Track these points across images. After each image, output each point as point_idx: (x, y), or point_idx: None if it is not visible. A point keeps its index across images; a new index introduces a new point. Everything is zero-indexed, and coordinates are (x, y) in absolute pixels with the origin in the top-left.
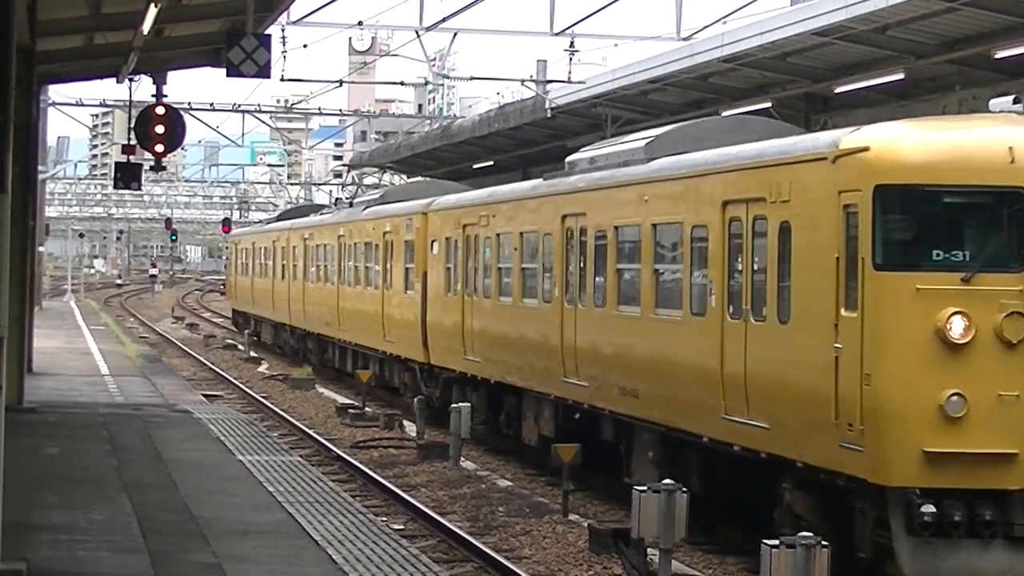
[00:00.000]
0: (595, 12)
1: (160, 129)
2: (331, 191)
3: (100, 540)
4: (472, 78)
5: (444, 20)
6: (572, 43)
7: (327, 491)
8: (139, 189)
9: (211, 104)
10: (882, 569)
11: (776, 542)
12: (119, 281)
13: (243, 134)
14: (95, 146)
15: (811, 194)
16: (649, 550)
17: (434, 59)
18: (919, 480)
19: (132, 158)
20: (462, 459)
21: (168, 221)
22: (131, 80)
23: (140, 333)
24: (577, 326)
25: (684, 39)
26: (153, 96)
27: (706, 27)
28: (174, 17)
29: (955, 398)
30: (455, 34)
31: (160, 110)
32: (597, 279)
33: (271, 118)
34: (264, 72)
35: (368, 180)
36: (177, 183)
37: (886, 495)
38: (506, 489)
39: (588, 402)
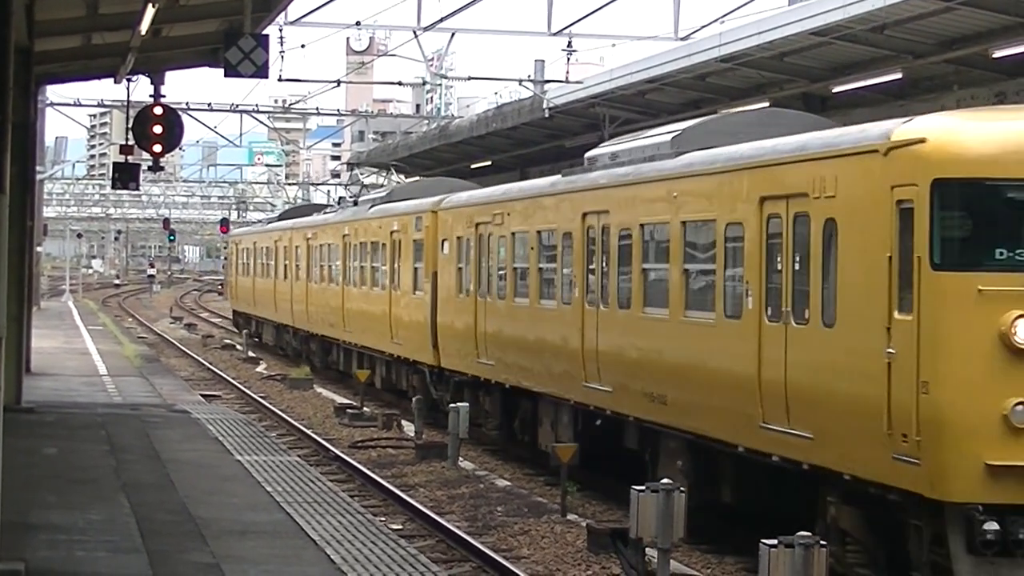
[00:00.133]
0: (593, 12)
1: (158, 129)
2: (329, 191)
3: (98, 540)
4: (470, 78)
5: (442, 20)
6: (570, 43)
7: (325, 491)
8: (137, 189)
9: (209, 104)
10: None
11: (774, 541)
12: (117, 281)
13: (241, 134)
14: (93, 146)
15: (860, 189)
16: (648, 550)
17: (432, 59)
18: (981, 495)
19: (130, 158)
20: (460, 459)
21: (166, 221)
22: (129, 80)
23: (138, 333)
24: (599, 329)
25: (682, 39)
26: (151, 96)
27: (704, 27)
28: (172, 17)
29: (1020, 407)
30: (453, 34)
31: (158, 110)
32: (621, 280)
33: (269, 118)
34: (262, 72)
35: (367, 180)
36: (175, 183)
37: (944, 511)
38: (504, 489)
39: (611, 408)
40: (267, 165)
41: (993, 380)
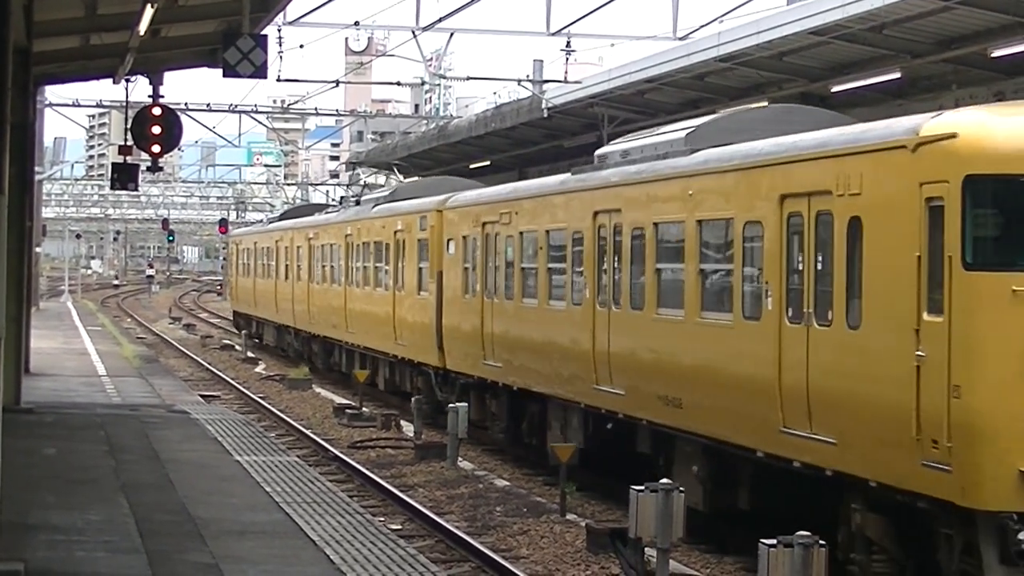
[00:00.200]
0: (591, 12)
1: (157, 130)
2: (328, 191)
3: (98, 540)
4: (468, 78)
5: (440, 20)
6: (568, 43)
7: (324, 491)
8: (136, 190)
9: (208, 105)
10: None
11: (774, 541)
12: (116, 282)
13: (240, 134)
14: (92, 147)
15: (887, 186)
16: (647, 550)
17: (430, 59)
18: (1015, 503)
19: (129, 159)
20: (459, 459)
21: (165, 222)
22: (128, 81)
23: (137, 334)
24: (611, 330)
25: (680, 39)
26: (150, 97)
27: (702, 27)
28: (170, 18)
29: None
30: (451, 34)
31: (157, 111)
32: (634, 280)
33: (267, 118)
34: (260, 73)
35: (367, 180)
36: (174, 184)
37: (976, 520)
38: (504, 489)
39: (623, 411)
40: (266, 165)
41: None
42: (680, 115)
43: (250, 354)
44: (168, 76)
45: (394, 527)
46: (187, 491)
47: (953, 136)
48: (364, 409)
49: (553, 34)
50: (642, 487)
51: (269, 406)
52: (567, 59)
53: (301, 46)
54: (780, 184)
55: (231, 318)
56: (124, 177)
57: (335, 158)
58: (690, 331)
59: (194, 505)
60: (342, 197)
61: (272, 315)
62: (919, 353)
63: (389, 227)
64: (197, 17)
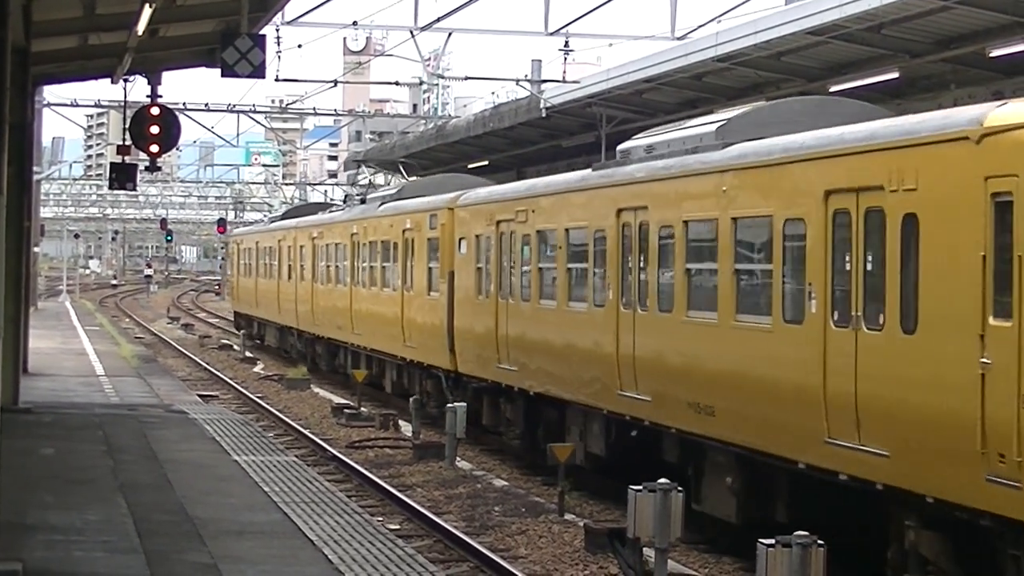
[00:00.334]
0: (590, 12)
1: (155, 129)
2: (326, 191)
3: (96, 540)
4: (467, 78)
5: (439, 20)
6: (567, 43)
7: (323, 491)
8: (134, 190)
9: (206, 104)
10: None
11: (772, 541)
12: (114, 282)
13: (238, 134)
14: (90, 147)
15: (947, 181)
16: (645, 550)
17: (429, 59)
18: None
19: (127, 158)
20: (458, 459)
21: (163, 221)
22: (126, 80)
23: (135, 333)
24: (636, 333)
25: (678, 39)
26: (148, 96)
27: (700, 27)
28: (168, 17)
29: None
30: (450, 34)
31: (155, 110)
32: (661, 281)
33: (266, 118)
34: (259, 72)
35: (366, 179)
36: (172, 183)
37: None
38: (502, 489)
39: (650, 419)
40: (264, 165)
41: None
42: (678, 115)
43: (248, 354)
44: (166, 76)
45: (392, 527)
46: (185, 491)
47: (1022, 127)
48: (362, 409)
49: (551, 34)
50: (640, 487)
51: (267, 406)
52: (565, 59)
53: (299, 46)
54: (825, 179)
55: (230, 318)
56: (122, 177)
57: (333, 158)
58: (724, 335)
59: (192, 505)
60: (346, 195)
61: (274, 316)
62: (984, 360)
63: (397, 226)
64: (195, 17)
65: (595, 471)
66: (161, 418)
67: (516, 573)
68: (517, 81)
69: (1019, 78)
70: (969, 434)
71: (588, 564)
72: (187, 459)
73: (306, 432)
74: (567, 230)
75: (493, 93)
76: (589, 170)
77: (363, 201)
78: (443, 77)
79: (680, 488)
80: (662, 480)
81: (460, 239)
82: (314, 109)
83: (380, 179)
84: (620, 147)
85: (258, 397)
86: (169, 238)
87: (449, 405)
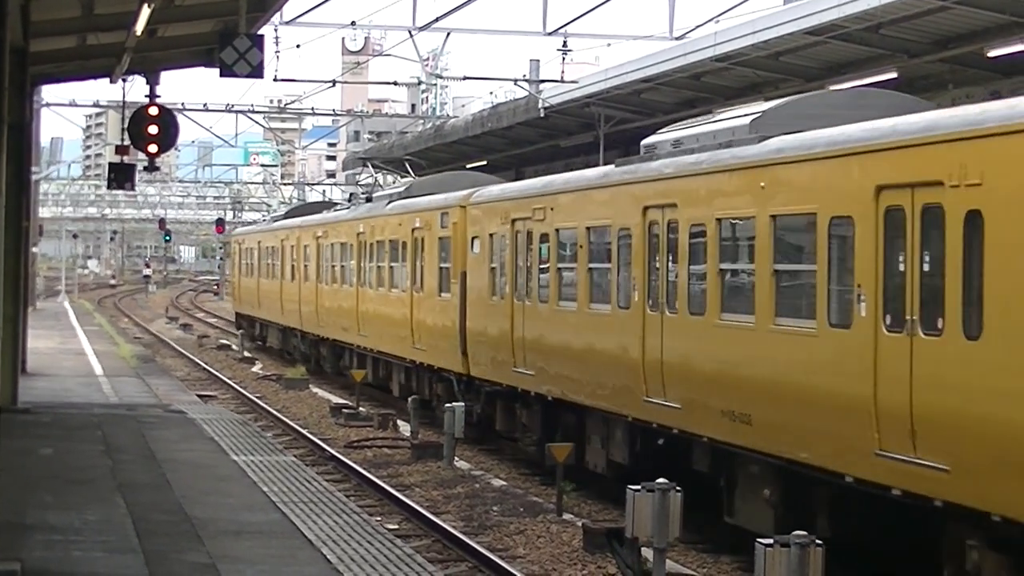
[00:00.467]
0: (588, 12)
1: (154, 129)
2: (325, 191)
3: (95, 540)
4: (465, 78)
5: (437, 20)
6: (565, 43)
7: (321, 491)
8: (133, 189)
9: (204, 104)
10: None
11: (770, 541)
12: (113, 282)
13: (236, 134)
14: (89, 147)
15: (1016, 174)
16: (643, 549)
17: (427, 59)
18: None
19: (126, 158)
20: (456, 459)
21: (162, 221)
22: (124, 80)
23: (134, 333)
24: (665, 337)
25: (677, 38)
26: (147, 96)
27: (699, 26)
28: (167, 17)
29: None
30: (448, 34)
31: (153, 110)
32: (692, 282)
33: (264, 118)
34: (257, 72)
35: (366, 179)
36: (171, 183)
37: None
38: (500, 489)
39: (679, 427)
40: (263, 165)
41: None
42: (677, 115)
43: (247, 354)
44: (165, 76)
45: (391, 527)
46: (184, 491)
47: None
48: (361, 409)
49: (550, 34)
50: (639, 487)
51: (266, 406)
52: (564, 59)
53: (298, 46)
54: (876, 174)
55: (228, 318)
56: (121, 177)
57: (332, 158)
58: (762, 339)
59: (191, 505)
60: (351, 194)
61: (277, 317)
62: None
63: (406, 224)
64: (194, 17)
65: (618, 480)
66: (160, 418)
67: (514, 573)
68: (515, 81)
69: (1017, 78)
70: None
71: (586, 564)
72: (186, 459)
73: (305, 432)
74: (588, 228)
75: (491, 93)
76: (612, 166)
77: (369, 199)
78: (441, 77)
79: (679, 488)
80: (660, 480)
81: (473, 238)
82: (312, 109)
83: (380, 178)
84: (644, 142)
85: (257, 397)
86: (167, 238)
87: (448, 405)
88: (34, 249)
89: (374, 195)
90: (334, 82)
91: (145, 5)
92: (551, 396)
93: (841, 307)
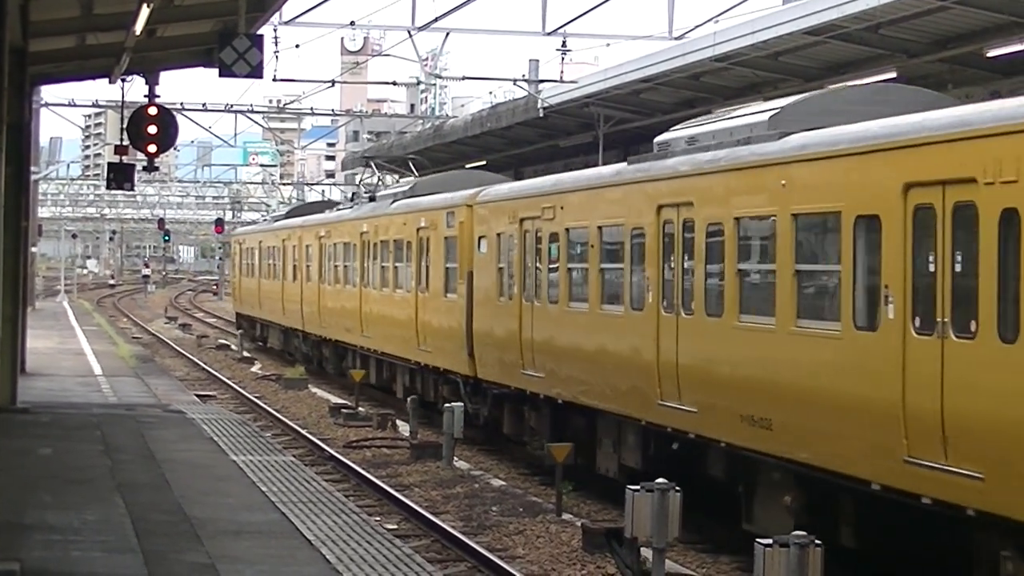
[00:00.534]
0: (587, 12)
1: (153, 129)
2: (323, 191)
3: (94, 540)
4: (464, 78)
5: (436, 20)
6: (564, 43)
7: (320, 491)
8: (132, 189)
9: (203, 104)
10: None
11: (769, 541)
12: (112, 281)
13: (235, 134)
14: (88, 147)
15: None
16: (643, 549)
17: (426, 59)
18: None
19: (125, 158)
20: (455, 459)
21: (161, 221)
22: (123, 80)
23: (133, 333)
24: (680, 339)
25: (676, 38)
26: (146, 96)
27: (698, 26)
28: (166, 17)
29: None
30: (447, 34)
31: (153, 110)
32: (709, 282)
33: (263, 118)
34: (256, 72)
35: (366, 178)
36: (170, 183)
37: None
38: (499, 489)
39: (695, 431)
40: (262, 165)
41: None
42: (676, 115)
43: (246, 353)
44: (164, 76)
45: (390, 527)
46: (183, 491)
47: None
48: (360, 409)
49: (549, 34)
50: (638, 487)
51: (265, 406)
52: (563, 59)
53: (297, 46)
54: (904, 171)
55: (227, 318)
56: (120, 177)
57: (331, 158)
58: (783, 341)
59: (190, 505)
60: (354, 193)
61: (279, 318)
62: None
63: (411, 224)
64: (193, 17)
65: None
66: (159, 418)
67: (513, 573)
68: (514, 81)
69: (1017, 78)
70: None
71: (586, 564)
72: (185, 459)
73: (304, 432)
74: (600, 228)
75: (491, 93)
76: (624, 164)
77: (372, 199)
78: (440, 77)
79: (678, 488)
80: (660, 480)
81: (480, 238)
82: (311, 109)
83: (379, 178)
84: (658, 139)
85: (256, 397)
86: (166, 238)
87: (447, 405)
88: (33, 249)
89: (378, 194)
90: (333, 82)
91: (144, 5)
92: (561, 399)
93: (867, 309)
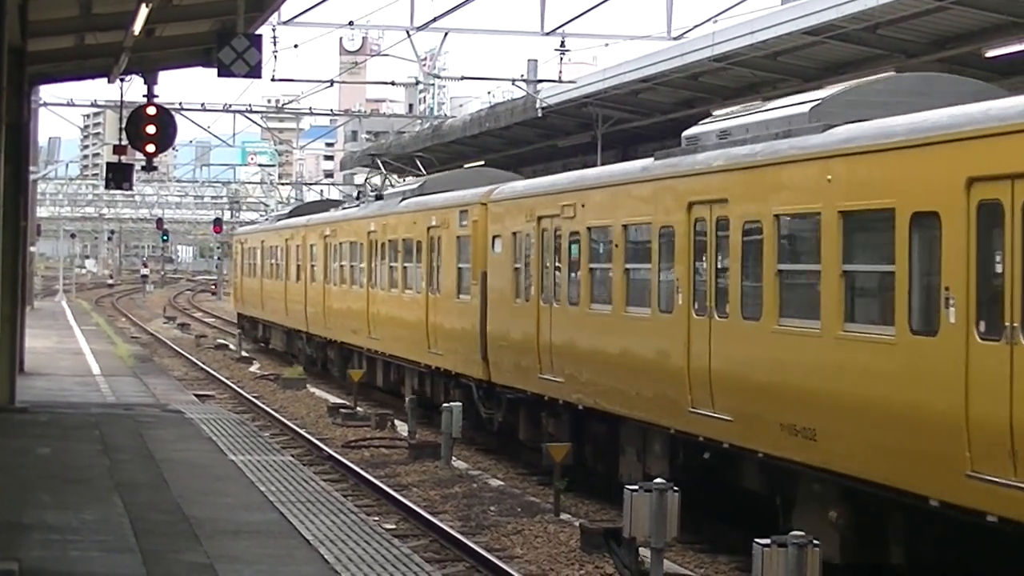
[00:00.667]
0: (586, 12)
1: (151, 129)
2: (322, 191)
3: (92, 540)
4: (463, 78)
5: (435, 20)
6: (563, 43)
7: (319, 491)
8: (130, 189)
9: (202, 104)
10: None
11: (767, 541)
12: (110, 281)
13: (234, 134)
14: (86, 146)
15: None
16: (641, 549)
17: (425, 59)
18: None
19: (123, 158)
20: (453, 459)
21: (159, 221)
22: (122, 80)
23: (131, 333)
24: (713, 343)
25: (675, 38)
26: (144, 96)
27: (696, 26)
28: (165, 17)
29: None
30: (446, 34)
31: (151, 110)
32: (746, 283)
33: (262, 118)
34: (255, 72)
35: (363, 178)
36: (168, 183)
37: None
38: (498, 488)
39: (731, 441)
40: (260, 165)
41: None
42: (674, 115)
43: (244, 353)
44: (163, 76)
45: (388, 527)
46: (181, 491)
47: None
48: (358, 409)
49: (547, 34)
50: (636, 487)
51: (263, 405)
52: (561, 59)
53: (295, 46)
54: (966, 165)
55: (226, 318)
56: (119, 177)
57: (329, 158)
58: (829, 347)
59: (188, 505)
60: (359, 191)
61: (281, 319)
62: None
63: (421, 223)
64: (192, 17)
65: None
66: (157, 418)
67: (512, 573)
68: (513, 81)
69: (1016, 78)
70: None
71: (584, 564)
72: (183, 459)
73: (302, 432)
74: (624, 226)
75: (489, 93)
76: (651, 159)
77: (379, 197)
78: (439, 77)
79: (676, 488)
80: (658, 480)
81: (494, 237)
82: (310, 109)
83: (379, 179)
84: (686, 133)
85: (254, 397)
86: (165, 238)
87: (445, 405)
88: (32, 249)
89: (385, 192)
90: (332, 82)
91: (143, 5)
92: (582, 405)
93: (925, 312)
